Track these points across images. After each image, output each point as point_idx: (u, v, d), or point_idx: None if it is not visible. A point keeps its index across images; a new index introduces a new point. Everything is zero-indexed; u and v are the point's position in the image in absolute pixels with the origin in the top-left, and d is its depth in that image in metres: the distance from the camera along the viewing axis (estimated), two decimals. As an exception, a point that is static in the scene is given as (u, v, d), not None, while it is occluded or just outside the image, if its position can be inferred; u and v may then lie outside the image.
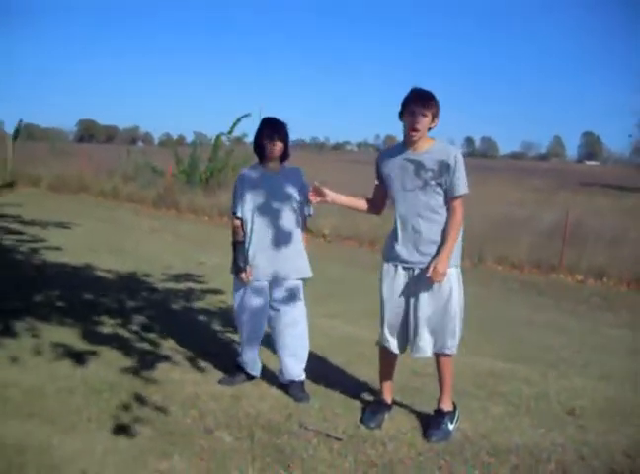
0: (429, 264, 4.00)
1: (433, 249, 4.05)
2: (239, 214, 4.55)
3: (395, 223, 4.16)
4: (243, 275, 4.51)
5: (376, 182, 4.29)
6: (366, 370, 5.26)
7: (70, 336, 5.52)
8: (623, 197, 38.98)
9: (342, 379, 5.06)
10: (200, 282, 8.20)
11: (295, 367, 4.66)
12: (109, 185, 20.59)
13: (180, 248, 11.46)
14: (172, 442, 3.73)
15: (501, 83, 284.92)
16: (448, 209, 4.05)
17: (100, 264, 8.87)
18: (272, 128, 4.52)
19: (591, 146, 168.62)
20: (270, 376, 4.91)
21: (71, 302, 6.71)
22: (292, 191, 4.56)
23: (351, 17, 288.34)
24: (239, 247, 4.54)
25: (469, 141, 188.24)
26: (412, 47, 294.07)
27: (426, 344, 4.17)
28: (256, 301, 4.57)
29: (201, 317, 6.63)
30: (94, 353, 5.11)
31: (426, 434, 4.08)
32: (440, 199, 4.03)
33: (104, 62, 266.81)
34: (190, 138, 36.02)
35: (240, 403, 4.36)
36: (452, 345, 4.22)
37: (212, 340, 5.90)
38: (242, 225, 4.57)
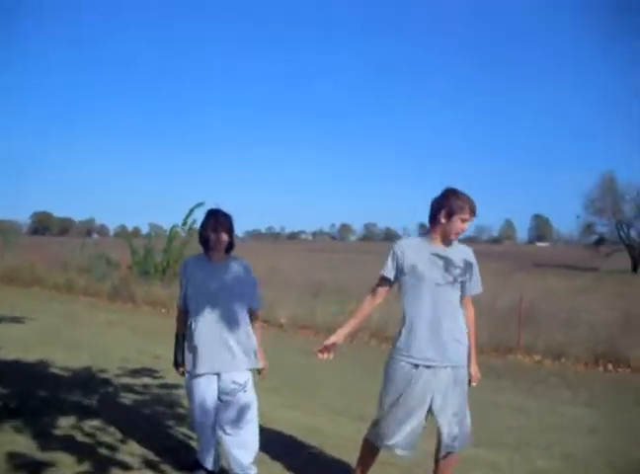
0: (456, 365, 4.06)
1: (456, 347, 4.04)
2: (181, 306, 4.57)
3: (415, 319, 4.06)
4: (180, 369, 4.55)
5: (385, 273, 4.19)
6: (327, 462, 5.15)
7: (23, 441, 5.26)
8: (575, 277, 39.71)
9: (304, 472, 4.92)
10: (157, 377, 8.02)
11: (244, 460, 4.51)
12: (63, 278, 20.31)
13: (136, 341, 11.25)
14: None
15: (450, 167, 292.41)
16: (463, 307, 4.11)
17: (54, 359, 8.63)
18: (216, 220, 4.52)
19: (541, 228, 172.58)
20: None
21: (25, 401, 6.48)
22: (237, 282, 4.55)
23: (298, 108, 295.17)
24: (177, 340, 4.55)
25: (423, 227, 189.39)
26: (359, 140, 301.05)
27: (455, 441, 4.14)
28: (205, 393, 4.47)
29: (159, 413, 6.43)
30: (48, 462, 4.86)
31: None
32: (458, 297, 4.08)
33: (57, 153, 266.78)
34: (145, 230, 35.97)
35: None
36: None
37: (171, 436, 5.71)
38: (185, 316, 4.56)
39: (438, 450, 4.13)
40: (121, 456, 4.97)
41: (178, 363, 4.52)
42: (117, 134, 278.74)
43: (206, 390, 4.47)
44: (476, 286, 4.10)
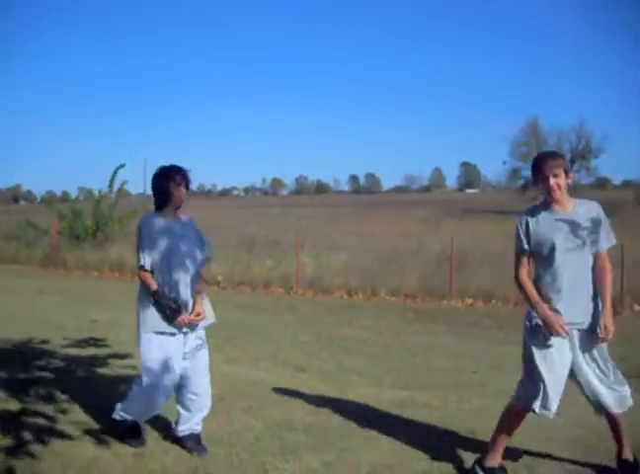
0: (592, 322, 3.98)
1: (592, 308, 4.02)
2: (147, 266, 4.41)
3: (550, 287, 4.03)
4: (184, 317, 4.37)
5: (520, 248, 4.13)
6: (269, 413, 5.25)
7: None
8: (503, 221, 40.60)
9: (246, 424, 5.00)
10: (100, 346, 7.83)
11: (198, 419, 4.56)
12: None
13: (70, 307, 11.09)
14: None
15: (379, 118, 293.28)
16: (596, 264, 4.02)
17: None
18: (181, 174, 4.52)
19: (469, 175, 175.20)
20: (170, 430, 4.77)
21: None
22: (194, 238, 4.58)
23: (225, 54, 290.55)
24: (162, 294, 4.36)
25: (353, 179, 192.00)
26: (292, 92, 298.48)
27: (612, 399, 4.06)
28: (174, 352, 4.41)
29: (101, 383, 6.30)
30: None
31: None
32: (591, 257, 4.03)
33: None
34: (75, 194, 35.07)
35: (143, 460, 4.22)
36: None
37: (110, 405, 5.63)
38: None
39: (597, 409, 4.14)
40: (62, 426, 4.87)
41: (177, 313, 4.34)
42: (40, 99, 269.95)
43: (175, 349, 4.42)
44: (608, 240, 4.01)
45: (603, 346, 4.02)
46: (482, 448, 4.51)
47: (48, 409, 5.25)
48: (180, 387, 4.53)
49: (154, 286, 4.36)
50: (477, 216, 46.79)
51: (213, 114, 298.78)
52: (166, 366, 4.39)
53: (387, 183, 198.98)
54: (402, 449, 4.51)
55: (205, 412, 4.60)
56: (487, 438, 4.70)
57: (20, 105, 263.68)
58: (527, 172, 66.21)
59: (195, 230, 4.67)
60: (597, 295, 4.02)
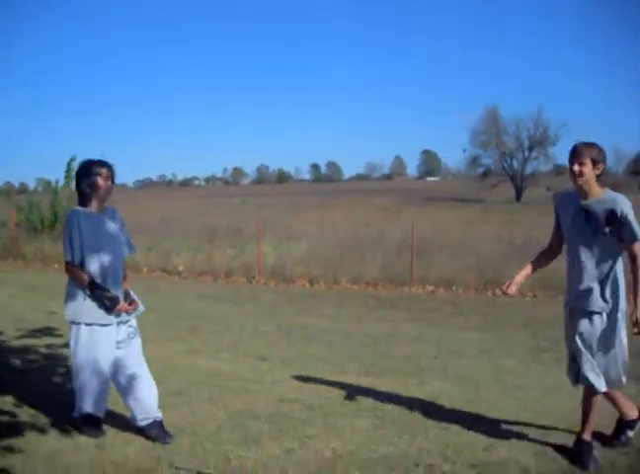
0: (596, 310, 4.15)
1: (595, 295, 4.18)
2: (75, 261, 4.42)
3: (569, 270, 4.36)
4: (122, 305, 4.46)
5: (554, 227, 4.50)
6: (232, 402, 5.26)
7: None
8: (463, 209, 41.11)
9: (209, 414, 5.00)
10: (56, 335, 7.81)
11: (153, 404, 4.57)
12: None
13: (29, 299, 10.95)
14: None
15: (340, 105, 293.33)
16: (625, 255, 4.16)
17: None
18: (108, 169, 4.56)
19: (430, 163, 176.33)
20: (130, 421, 4.77)
21: None
22: (119, 230, 4.66)
23: (186, 40, 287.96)
24: (97, 285, 4.39)
25: (315, 167, 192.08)
26: (252, 80, 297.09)
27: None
28: (108, 342, 4.46)
29: (60, 372, 6.28)
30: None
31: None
32: (610, 246, 4.15)
33: None
34: (33, 185, 34.57)
35: (105, 452, 4.20)
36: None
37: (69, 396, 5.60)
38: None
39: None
40: (21, 419, 4.85)
41: (115, 302, 4.40)
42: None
43: (109, 339, 4.46)
44: (627, 236, 4.09)
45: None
46: (444, 431, 4.60)
47: (6, 400, 5.20)
48: (118, 378, 4.56)
49: (87, 279, 4.39)
50: (438, 204, 47.17)
51: (174, 102, 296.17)
52: (103, 355, 4.44)
53: (348, 171, 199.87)
54: (364, 435, 4.56)
55: (156, 397, 4.62)
56: (444, 421, 4.81)
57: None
58: (487, 160, 67.23)
59: (120, 221, 4.72)
60: (615, 283, 4.16)
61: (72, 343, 4.50)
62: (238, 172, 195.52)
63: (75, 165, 19.06)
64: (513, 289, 4.58)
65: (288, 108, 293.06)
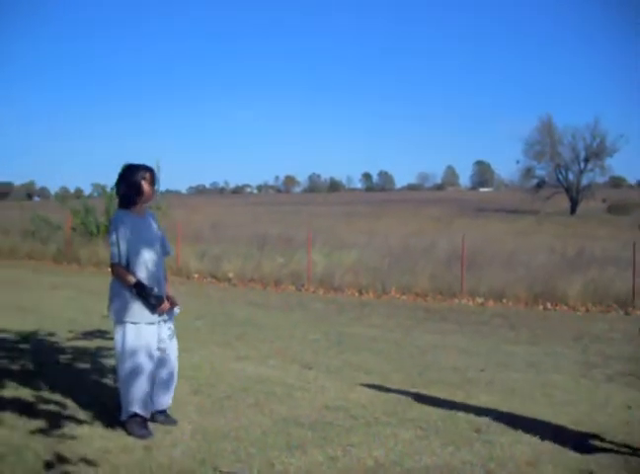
0: None
1: None
2: (123, 262, 4.59)
3: None
4: (166, 304, 4.63)
5: None
6: (277, 408, 5.31)
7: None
8: (516, 220, 40.64)
9: (253, 420, 5.05)
10: (108, 338, 7.93)
11: (168, 397, 4.87)
12: (5, 243, 19.96)
13: (83, 302, 11.19)
14: (83, 500, 3.66)
15: (392, 116, 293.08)
16: None
17: (1, 325, 8.54)
18: (152, 174, 4.74)
19: (483, 174, 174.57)
20: (180, 422, 4.86)
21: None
22: (158, 233, 4.83)
23: (231, 57, 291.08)
24: (143, 285, 4.55)
25: (366, 176, 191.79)
26: (305, 89, 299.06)
27: None
28: (152, 341, 4.63)
29: (108, 373, 6.41)
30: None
31: None
32: None
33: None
34: (88, 190, 35.32)
35: (152, 453, 4.28)
36: None
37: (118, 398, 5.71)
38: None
39: None
40: (72, 411, 5.03)
41: (160, 301, 4.58)
42: (57, 95, 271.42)
43: (153, 338, 4.62)
44: None
45: None
46: (487, 444, 4.57)
47: (56, 400, 5.34)
48: (159, 376, 4.77)
49: (133, 279, 4.54)
50: (490, 215, 46.71)
51: (227, 111, 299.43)
52: (148, 354, 4.59)
53: (400, 181, 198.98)
54: (407, 445, 4.55)
55: (170, 397, 4.89)
56: (490, 435, 4.77)
57: (33, 101, 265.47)
58: (541, 171, 66.29)
59: (157, 224, 4.90)
60: None
61: (119, 343, 4.64)
62: (290, 180, 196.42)
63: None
64: None
65: (341, 116, 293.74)
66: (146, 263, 4.62)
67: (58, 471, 3.98)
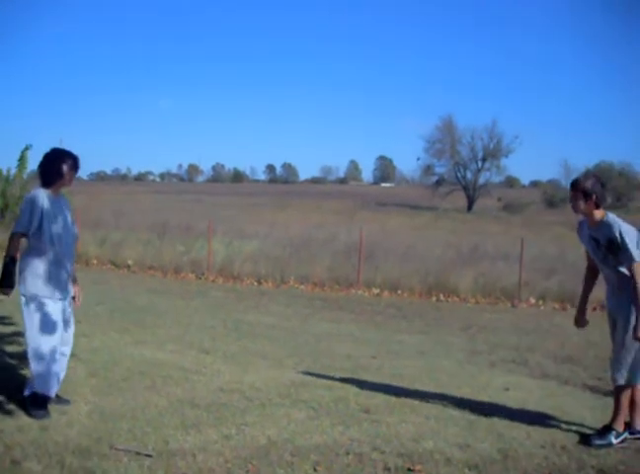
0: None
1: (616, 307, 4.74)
2: (30, 232, 4.65)
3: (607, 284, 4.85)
4: (8, 291, 4.69)
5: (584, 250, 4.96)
6: (173, 391, 5.41)
7: None
8: (415, 216, 41.71)
9: (150, 401, 5.13)
10: (7, 324, 7.79)
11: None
12: None
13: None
14: (-24, 477, 3.68)
15: (295, 109, 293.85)
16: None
17: None
18: (77, 161, 4.89)
19: (385, 169, 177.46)
20: (76, 403, 4.91)
21: None
22: (71, 215, 4.95)
23: (151, 35, 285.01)
24: (14, 263, 4.67)
25: (270, 168, 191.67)
26: (211, 78, 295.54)
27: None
28: (59, 317, 4.71)
29: (7, 357, 6.33)
30: None
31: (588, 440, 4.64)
32: (617, 271, 4.64)
33: None
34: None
35: (48, 433, 4.32)
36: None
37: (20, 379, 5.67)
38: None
39: None
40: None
41: (9, 285, 4.65)
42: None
43: (59, 314, 4.71)
44: (625, 259, 4.53)
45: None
46: (375, 423, 4.83)
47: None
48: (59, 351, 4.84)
49: (13, 254, 4.66)
50: (390, 210, 47.71)
51: (132, 97, 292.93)
52: (55, 330, 4.71)
53: (304, 174, 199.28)
54: (299, 424, 4.75)
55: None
56: (378, 415, 5.04)
57: None
58: (441, 168, 68.09)
59: (70, 208, 5.02)
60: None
61: (32, 317, 4.67)
62: (193, 169, 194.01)
63: (29, 154, 18.81)
64: (584, 323, 5.05)
65: (246, 107, 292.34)
66: (59, 240, 4.71)
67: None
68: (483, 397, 5.80)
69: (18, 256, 4.70)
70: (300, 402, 5.31)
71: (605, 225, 4.60)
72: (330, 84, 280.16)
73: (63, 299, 4.78)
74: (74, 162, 4.87)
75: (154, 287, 12.48)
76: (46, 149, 4.93)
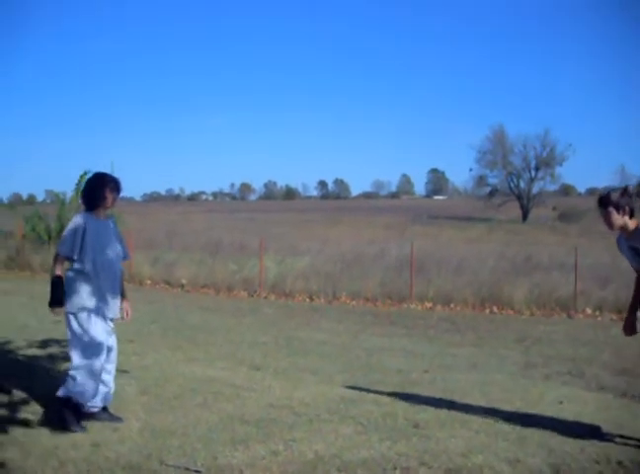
0: None
1: None
2: (68, 254, 4.84)
3: None
4: (57, 310, 4.85)
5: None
6: (223, 407, 5.47)
7: None
8: (468, 228, 41.31)
9: (200, 417, 5.20)
10: (64, 346, 7.93)
11: (109, 394, 5.09)
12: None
13: (35, 308, 11.16)
14: (32, 493, 3.78)
15: (347, 126, 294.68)
16: None
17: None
18: (118, 184, 5.05)
19: (437, 182, 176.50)
20: (128, 420, 5.00)
21: None
22: (118, 236, 5.11)
23: (196, 55, 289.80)
24: (60, 284, 4.83)
25: (322, 184, 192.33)
26: (260, 98, 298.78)
27: None
28: (104, 335, 4.89)
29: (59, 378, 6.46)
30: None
31: None
32: None
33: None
34: (42, 197, 34.84)
35: (100, 449, 4.42)
36: None
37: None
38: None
39: None
40: (21, 416, 5.09)
41: (58, 304, 4.81)
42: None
43: (104, 332, 4.89)
44: None
45: None
46: (424, 438, 4.80)
47: (7, 402, 5.43)
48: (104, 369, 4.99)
49: (58, 273, 4.86)
50: (443, 222, 47.37)
51: (183, 118, 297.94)
52: (101, 348, 4.87)
53: (356, 189, 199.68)
54: (347, 440, 4.75)
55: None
56: (427, 430, 5.00)
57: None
58: (493, 179, 67.38)
59: (117, 228, 5.21)
60: None
61: (74, 330, 4.86)
62: (246, 187, 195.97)
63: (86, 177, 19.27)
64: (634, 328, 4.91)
65: (296, 124, 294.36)
66: (101, 261, 4.86)
67: (8, 468, 4.10)
68: (536, 410, 5.71)
69: (62, 275, 4.86)
70: (349, 417, 5.31)
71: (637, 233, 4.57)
72: (379, 98, 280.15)
73: (107, 317, 4.93)
74: (115, 185, 5.03)
75: (207, 306, 12.62)
76: (97, 171, 5.16)
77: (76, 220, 4.91)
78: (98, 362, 4.83)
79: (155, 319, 10.05)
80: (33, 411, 5.21)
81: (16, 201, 29.60)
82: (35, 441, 4.53)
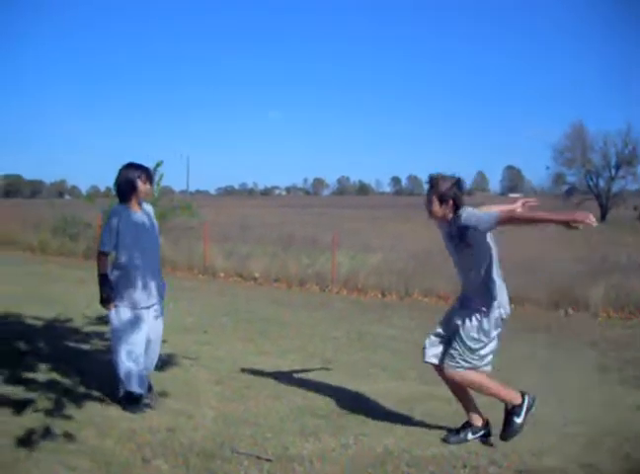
0: None
1: None
2: (109, 250, 4.99)
3: None
4: (111, 305, 5.00)
5: None
6: (294, 399, 5.55)
7: (4, 385, 5.58)
8: (544, 227, 40.34)
9: (272, 408, 5.30)
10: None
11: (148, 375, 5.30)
12: (36, 239, 20.40)
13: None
14: (110, 472, 3.93)
15: (422, 121, 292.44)
16: None
17: (27, 313, 8.86)
18: (149, 173, 5.16)
19: (513, 179, 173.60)
20: (202, 408, 5.13)
21: (2, 351, 6.75)
22: (154, 225, 5.19)
23: (265, 62, 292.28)
24: (106, 281, 5.00)
25: (396, 180, 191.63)
26: (334, 93, 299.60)
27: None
28: (146, 324, 5.04)
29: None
30: (29, 400, 5.18)
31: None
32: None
33: (28, 117, 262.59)
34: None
35: (175, 435, 4.57)
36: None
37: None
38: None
39: None
40: (99, 393, 5.35)
41: (109, 300, 4.98)
42: (86, 96, 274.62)
43: (147, 321, 5.05)
44: None
45: None
46: (494, 437, 4.76)
47: (85, 378, 5.69)
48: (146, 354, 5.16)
49: (103, 271, 5.01)
50: (518, 221, 46.41)
51: (257, 113, 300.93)
52: (143, 336, 5.04)
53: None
54: (416, 436, 4.77)
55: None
56: (498, 429, 4.95)
57: (65, 102, 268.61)
58: (572, 177, 65.70)
59: (153, 218, 5.25)
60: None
61: (113, 322, 5.04)
62: (319, 183, 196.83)
63: (161, 170, 19.65)
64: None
65: (371, 120, 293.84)
66: (139, 251, 4.98)
67: (86, 446, 4.27)
68: (611, 415, 5.59)
69: (104, 271, 5.01)
70: (419, 414, 5.32)
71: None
72: (454, 94, 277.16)
73: (148, 307, 5.05)
74: (147, 174, 5.08)
75: (279, 299, 12.74)
76: (129, 161, 5.19)
77: (109, 214, 5.07)
78: (138, 350, 4.99)
79: (228, 311, 10.21)
80: (106, 388, 5.40)
81: (94, 194, 30.22)
82: (113, 424, 4.70)
